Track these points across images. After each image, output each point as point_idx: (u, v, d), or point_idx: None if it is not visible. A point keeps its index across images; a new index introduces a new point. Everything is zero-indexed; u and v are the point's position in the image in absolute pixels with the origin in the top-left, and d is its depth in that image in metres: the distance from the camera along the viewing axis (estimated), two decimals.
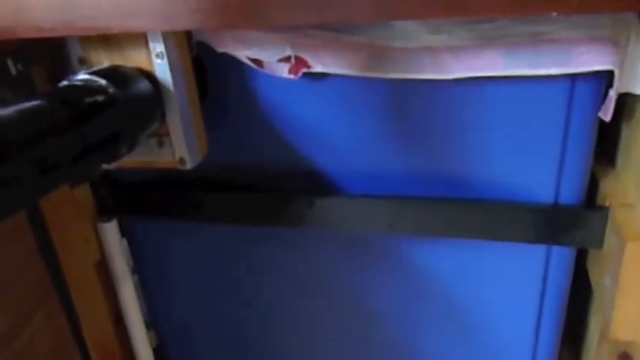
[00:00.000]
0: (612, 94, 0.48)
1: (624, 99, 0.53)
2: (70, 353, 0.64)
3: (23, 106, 0.40)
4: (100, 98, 0.46)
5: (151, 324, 0.83)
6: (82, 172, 0.43)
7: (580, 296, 0.70)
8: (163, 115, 0.53)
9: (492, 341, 0.65)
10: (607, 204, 0.54)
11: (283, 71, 0.55)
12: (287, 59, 0.54)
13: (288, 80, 0.55)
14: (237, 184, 0.65)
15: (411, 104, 0.55)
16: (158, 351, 0.84)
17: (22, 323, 0.57)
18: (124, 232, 0.74)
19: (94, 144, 0.44)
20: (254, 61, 0.55)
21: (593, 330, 0.67)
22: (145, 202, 0.68)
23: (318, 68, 0.53)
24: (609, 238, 0.52)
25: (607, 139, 0.60)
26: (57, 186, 0.42)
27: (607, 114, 0.49)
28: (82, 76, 0.47)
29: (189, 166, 0.56)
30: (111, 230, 0.70)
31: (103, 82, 0.47)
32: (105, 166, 0.59)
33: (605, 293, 0.53)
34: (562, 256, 0.58)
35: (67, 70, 0.54)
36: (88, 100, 0.45)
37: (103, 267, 0.72)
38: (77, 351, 0.64)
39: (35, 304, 0.59)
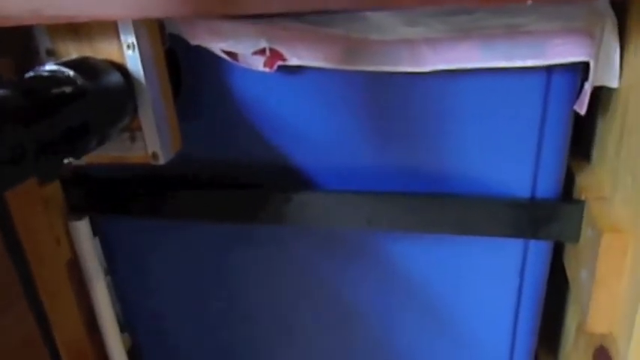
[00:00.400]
0: (587, 87, 0.48)
1: (599, 93, 0.54)
2: (38, 355, 0.62)
3: None
4: (68, 89, 0.44)
5: (124, 325, 0.81)
6: (50, 165, 0.42)
7: (556, 294, 0.70)
8: (135, 109, 0.52)
9: (470, 336, 0.65)
10: (583, 198, 0.54)
11: (258, 64, 0.54)
12: (262, 52, 0.53)
13: (264, 74, 0.54)
14: (213, 181, 0.63)
15: (387, 98, 0.54)
16: (132, 353, 0.82)
17: None
18: (96, 230, 0.72)
19: (61, 136, 0.43)
20: (228, 53, 0.54)
21: (570, 326, 0.67)
22: (118, 200, 0.67)
23: (293, 61, 0.52)
24: (585, 232, 0.52)
25: (583, 134, 0.60)
26: (21, 179, 0.41)
27: (582, 107, 0.49)
28: (50, 66, 0.46)
29: (162, 161, 0.55)
30: (82, 229, 0.69)
31: (72, 73, 0.46)
32: (75, 162, 0.57)
33: (581, 287, 0.53)
34: (539, 250, 0.58)
35: (35, 63, 0.52)
36: (55, 90, 0.43)
37: (75, 267, 0.70)
38: (47, 354, 0.62)
39: (2, 306, 0.57)
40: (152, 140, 0.54)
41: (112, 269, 0.76)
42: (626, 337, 0.46)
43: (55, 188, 0.66)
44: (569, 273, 0.59)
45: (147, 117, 0.53)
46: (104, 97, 0.48)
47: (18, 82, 0.45)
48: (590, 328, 0.51)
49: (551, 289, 0.64)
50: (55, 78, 0.45)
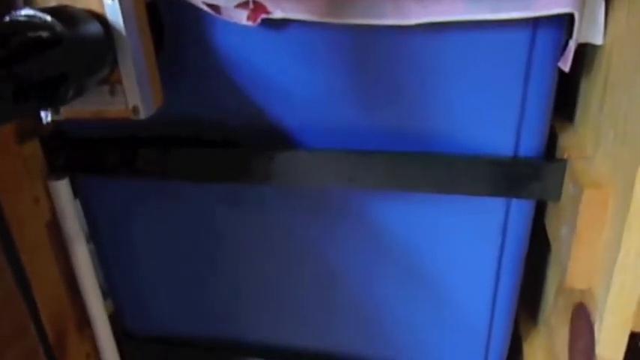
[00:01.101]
0: (572, 43, 0.48)
1: (583, 52, 0.54)
2: (19, 311, 0.62)
3: None
4: (45, 34, 0.43)
5: (107, 290, 0.80)
6: (27, 110, 0.41)
7: (537, 261, 0.71)
8: (115, 61, 0.51)
9: (451, 294, 0.65)
10: (565, 157, 0.54)
11: (241, 17, 0.53)
12: (245, 4, 0.52)
13: (247, 28, 0.54)
14: (195, 140, 0.63)
15: (371, 54, 0.54)
16: (114, 318, 0.81)
17: None
18: (77, 193, 0.71)
19: (37, 82, 0.42)
20: (211, 7, 0.53)
21: (549, 290, 0.68)
22: (98, 159, 0.66)
23: (277, 14, 0.52)
24: (567, 189, 0.52)
25: (566, 98, 0.60)
26: None
27: (566, 63, 0.49)
28: (27, 11, 0.45)
29: (142, 115, 0.54)
30: (62, 189, 0.68)
31: (49, 18, 0.44)
32: (55, 117, 0.56)
33: (561, 243, 0.53)
34: (521, 209, 0.58)
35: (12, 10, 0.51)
36: (32, 34, 0.42)
37: (55, 228, 0.69)
38: (26, 312, 0.62)
39: None
40: (133, 94, 0.53)
41: (93, 233, 0.76)
42: (604, 291, 0.46)
43: (34, 147, 0.65)
44: (550, 233, 0.60)
45: (127, 69, 0.51)
46: (82, 45, 0.47)
47: None
48: (570, 283, 0.51)
49: (532, 257, 0.65)
50: (31, 23, 0.44)
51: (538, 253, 0.69)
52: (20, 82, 0.40)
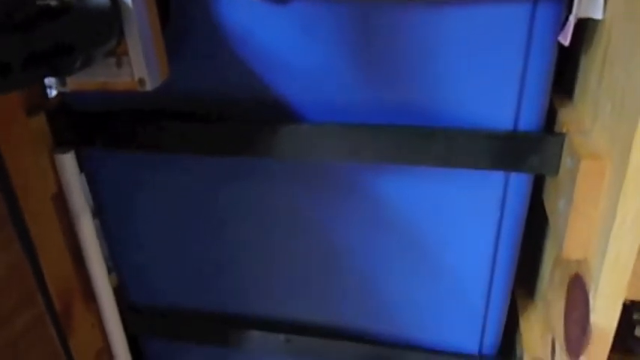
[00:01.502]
0: (572, 18, 0.49)
1: (584, 27, 0.55)
2: (27, 280, 0.63)
3: None
4: (53, 3, 0.44)
5: (112, 263, 0.82)
6: (34, 79, 0.42)
7: (534, 238, 0.72)
8: (122, 32, 0.52)
9: (450, 268, 0.67)
10: (564, 131, 0.55)
11: None
12: None
13: (252, 3, 0.54)
14: (199, 114, 0.64)
15: (373, 29, 0.54)
16: (119, 291, 0.83)
17: None
18: (82, 168, 0.72)
19: (46, 50, 0.43)
20: None
21: (546, 265, 0.69)
22: (104, 132, 0.66)
23: None
24: (565, 162, 0.53)
25: (565, 74, 0.61)
26: (8, 89, 0.41)
27: (566, 38, 0.50)
28: None
29: (149, 87, 0.55)
30: (68, 162, 0.69)
31: None
32: (60, 88, 0.57)
33: (559, 215, 0.54)
34: (520, 183, 0.59)
35: None
36: (40, 2, 0.43)
37: (61, 201, 0.70)
38: (33, 283, 0.63)
39: None
40: (139, 66, 0.54)
41: (98, 208, 0.77)
42: (600, 260, 0.47)
43: (41, 121, 0.66)
44: (548, 207, 0.61)
45: (133, 41, 0.52)
46: (90, 16, 0.48)
47: None
48: (567, 254, 0.52)
49: (529, 236, 0.66)
50: None
51: (535, 232, 0.71)
52: (30, 49, 0.40)
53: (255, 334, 0.79)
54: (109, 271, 0.80)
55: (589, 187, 0.48)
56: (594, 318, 0.49)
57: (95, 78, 0.55)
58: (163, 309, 0.84)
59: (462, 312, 0.71)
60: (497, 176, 0.59)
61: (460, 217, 0.63)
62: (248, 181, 0.68)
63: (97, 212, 0.77)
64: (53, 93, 0.69)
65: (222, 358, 0.88)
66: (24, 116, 0.62)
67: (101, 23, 0.49)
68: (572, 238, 0.51)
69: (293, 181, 0.66)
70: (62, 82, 0.56)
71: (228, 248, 0.75)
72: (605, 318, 0.49)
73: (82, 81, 0.55)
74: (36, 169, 0.65)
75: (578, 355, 0.52)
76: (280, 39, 0.57)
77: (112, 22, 0.50)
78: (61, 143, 0.68)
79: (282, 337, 0.78)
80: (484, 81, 0.54)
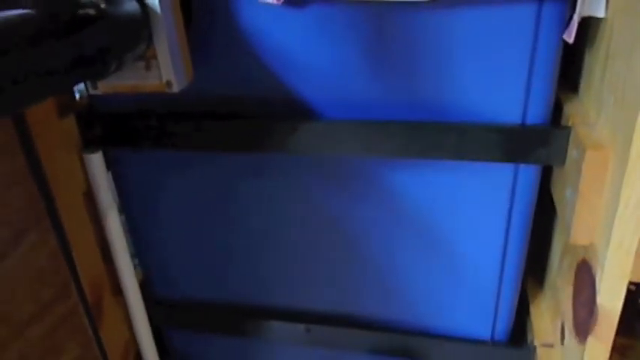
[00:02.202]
0: (576, 16, 0.52)
1: (587, 25, 0.57)
2: (63, 273, 0.66)
3: (12, 13, 0.41)
4: (92, 12, 0.47)
5: (137, 258, 0.85)
6: (75, 83, 0.45)
7: (543, 231, 0.75)
8: (150, 37, 0.55)
9: (462, 259, 0.69)
10: (570, 124, 0.58)
11: None
12: None
13: (272, 6, 0.57)
14: (221, 114, 0.67)
15: (387, 29, 0.57)
16: (144, 285, 0.86)
17: (17, 238, 0.59)
18: (109, 166, 0.76)
19: (87, 55, 0.46)
20: None
21: (555, 253, 0.72)
22: (129, 133, 0.70)
23: None
24: (571, 153, 0.56)
25: (570, 71, 0.64)
26: (51, 92, 0.44)
27: (570, 35, 0.52)
28: None
29: (175, 89, 0.58)
30: (96, 161, 0.72)
31: None
32: (93, 91, 0.61)
33: (566, 204, 0.57)
34: (528, 175, 0.62)
35: None
36: (81, 12, 0.46)
37: (91, 200, 0.74)
38: (69, 272, 0.67)
39: (29, 221, 0.61)
40: (166, 68, 0.57)
41: (124, 205, 0.80)
42: (605, 245, 0.50)
43: (70, 122, 0.69)
44: (556, 197, 0.63)
45: (161, 45, 0.56)
46: (123, 22, 0.51)
47: (44, 2, 0.47)
48: (574, 240, 0.55)
49: (538, 228, 0.69)
50: (79, 1, 0.48)
51: (544, 223, 0.73)
52: (76, 53, 0.44)
53: (276, 325, 0.83)
54: (134, 266, 0.84)
55: (594, 176, 0.51)
56: (600, 299, 0.52)
57: (125, 81, 0.58)
58: (186, 302, 0.88)
59: (475, 300, 0.73)
60: (506, 168, 0.62)
61: (472, 208, 0.65)
62: (267, 176, 0.71)
63: (123, 208, 0.81)
64: (77, 96, 0.73)
65: (243, 348, 0.91)
66: (57, 118, 0.65)
67: (132, 29, 0.53)
68: (578, 224, 0.54)
69: (311, 176, 0.69)
70: (94, 86, 0.59)
71: (249, 242, 0.78)
72: (610, 299, 0.52)
73: (113, 84, 0.58)
74: (68, 169, 0.69)
75: (586, 336, 0.55)
76: (297, 40, 0.60)
77: (142, 27, 0.54)
78: (89, 143, 0.72)
79: (302, 327, 0.81)
80: (493, 77, 0.57)
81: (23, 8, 0.43)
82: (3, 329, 0.59)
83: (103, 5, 0.48)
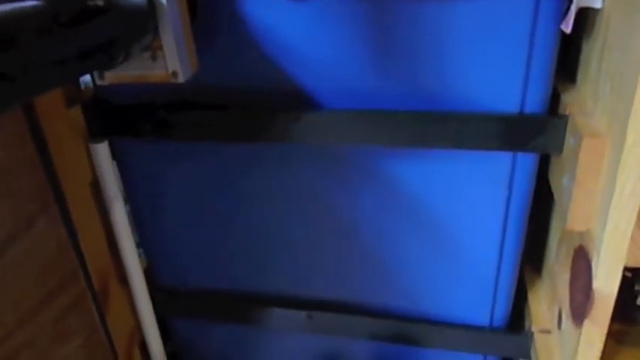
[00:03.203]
0: (573, 7, 0.53)
1: (585, 16, 0.58)
2: (71, 259, 0.68)
3: (23, 4, 0.42)
4: (100, 3, 0.48)
5: (141, 247, 0.86)
6: (85, 72, 0.46)
7: (540, 220, 0.76)
8: (157, 29, 0.56)
9: (462, 247, 0.71)
10: (567, 113, 0.59)
11: None
12: None
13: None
14: (225, 105, 0.68)
15: (388, 21, 0.58)
16: (148, 273, 0.88)
17: (26, 224, 0.60)
18: (114, 155, 0.77)
19: (96, 45, 0.47)
20: None
21: (553, 241, 0.73)
22: (136, 123, 0.71)
23: None
24: (568, 141, 0.57)
25: (568, 62, 0.65)
26: (61, 82, 0.45)
27: (568, 26, 0.54)
28: None
29: (181, 79, 0.59)
30: (102, 151, 0.73)
31: None
32: (99, 82, 0.62)
33: (563, 192, 0.59)
34: (526, 163, 0.63)
35: None
36: (90, 3, 0.47)
37: (97, 189, 0.75)
38: (76, 259, 0.68)
39: (39, 208, 0.62)
40: (172, 59, 0.58)
41: (129, 194, 0.82)
42: (601, 230, 0.51)
43: (77, 112, 0.70)
44: (553, 184, 0.65)
45: (167, 36, 0.57)
46: (130, 14, 0.52)
47: None
48: (571, 226, 0.56)
49: (536, 219, 0.70)
50: None
51: (542, 211, 0.74)
52: (83, 44, 0.45)
53: (278, 312, 0.84)
54: (139, 254, 0.85)
55: (590, 163, 0.52)
56: (596, 284, 0.53)
57: (132, 71, 0.59)
58: (190, 290, 0.89)
59: (474, 287, 0.75)
60: (505, 157, 0.63)
61: (471, 196, 0.67)
62: (270, 166, 0.72)
63: (128, 198, 0.82)
64: (85, 85, 0.74)
65: (246, 335, 0.93)
66: (64, 108, 0.67)
67: (139, 20, 0.54)
68: (575, 211, 0.55)
69: (313, 164, 0.71)
70: (101, 76, 0.60)
71: (251, 230, 0.79)
72: (606, 284, 0.53)
73: (119, 74, 0.59)
74: (75, 159, 0.70)
75: (582, 320, 0.56)
76: (300, 32, 0.61)
77: (149, 19, 0.55)
78: (95, 134, 0.73)
79: (303, 313, 0.83)
80: (492, 67, 0.58)
81: None
82: (13, 314, 0.60)
83: None
